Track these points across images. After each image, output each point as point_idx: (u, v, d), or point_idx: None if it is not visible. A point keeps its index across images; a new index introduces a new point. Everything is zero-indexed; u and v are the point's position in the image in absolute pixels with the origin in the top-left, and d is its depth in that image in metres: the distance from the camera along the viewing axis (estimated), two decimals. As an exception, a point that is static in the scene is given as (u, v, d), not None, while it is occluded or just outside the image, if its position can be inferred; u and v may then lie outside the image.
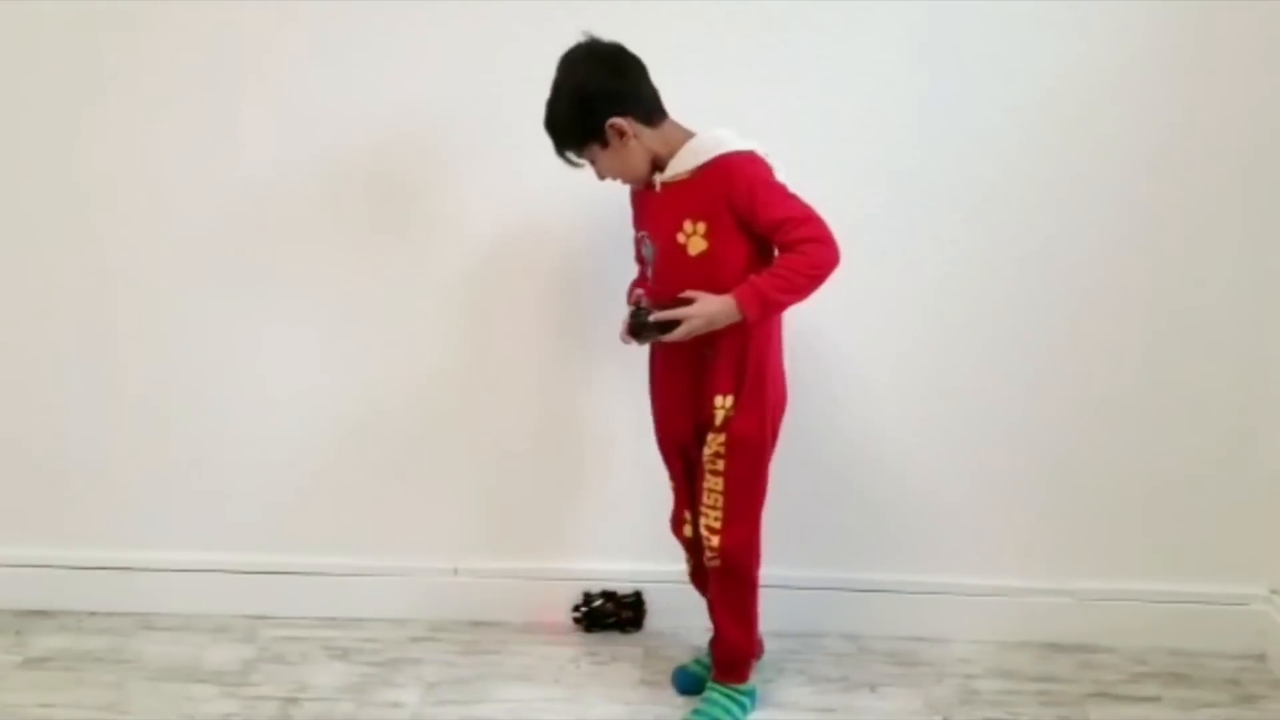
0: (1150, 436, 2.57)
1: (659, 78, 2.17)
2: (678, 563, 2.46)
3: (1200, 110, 2.39)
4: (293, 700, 2.50)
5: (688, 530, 2.40)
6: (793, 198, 2.12)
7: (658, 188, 2.19)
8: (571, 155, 2.17)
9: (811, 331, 2.54)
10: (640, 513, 2.58)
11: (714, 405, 2.23)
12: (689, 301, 2.12)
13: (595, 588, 2.73)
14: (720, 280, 2.12)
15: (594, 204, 2.43)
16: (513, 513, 2.74)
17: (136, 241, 2.65)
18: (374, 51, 2.49)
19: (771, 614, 2.66)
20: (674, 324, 2.12)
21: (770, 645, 2.64)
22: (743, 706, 2.42)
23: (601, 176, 2.21)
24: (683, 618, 2.62)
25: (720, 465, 2.26)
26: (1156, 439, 2.57)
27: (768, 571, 2.66)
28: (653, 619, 2.71)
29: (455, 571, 2.79)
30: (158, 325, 2.69)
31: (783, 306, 2.16)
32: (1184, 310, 2.49)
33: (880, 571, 2.69)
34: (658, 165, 2.19)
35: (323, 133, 2.55)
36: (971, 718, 2.42)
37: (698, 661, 2.54)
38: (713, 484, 2.28)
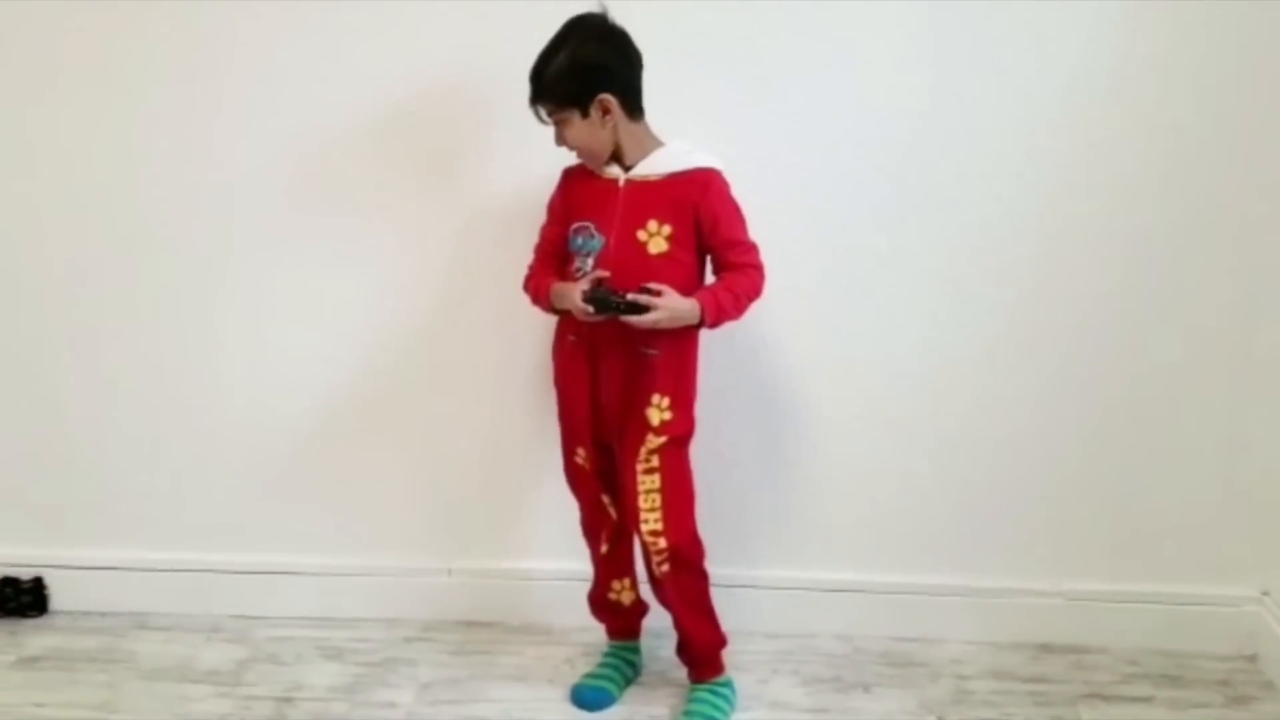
0: (1142, 438, 2.58)
1: (659, 75, 2.20)
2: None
3: (1206, 111, 2.39)
4: (287, 700, 2.50)
5: (609, 512, 2.44)
6: (745, 223, 2.25)
7: (621, 182, 2.21)
8: (544, 111, 2.18)
9: (806, 332, 2.55)
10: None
11: (650, 404, 2.25)
12: (655, 293, 2.14)
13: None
14: (674, 282, 2.17)
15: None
16: (507, 513, 2.74)
17: (121, 234, 2.65)
18: (384, 18, 2.49)
19: (765, 615, 2.69)
20: (640, 308, 2.13)
21: (764, 646, 2.67)
22: (727, 699, 2.44)
23: (563, 144, 2.21)
24: (730, 620, 2.61)
25: (655, 463, 2.28)
26: (1148, 440, 2.58)
27: (760, 573, 2.69)
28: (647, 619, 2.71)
29: (449, 572, 2.79)
30: (147, 323, 2.69)
31: (726, 321, 2.22)
32: (1176, 312, 2.50)
33: (874, 572, 2.70)
34: (616, 158, 2.22)
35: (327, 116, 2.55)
36: (965, 718, 2.43)
37: (599, 676, 2.53)
38: (649, 485, 2.29)
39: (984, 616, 2.68)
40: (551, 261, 2.34)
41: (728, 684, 2.47)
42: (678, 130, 2.25)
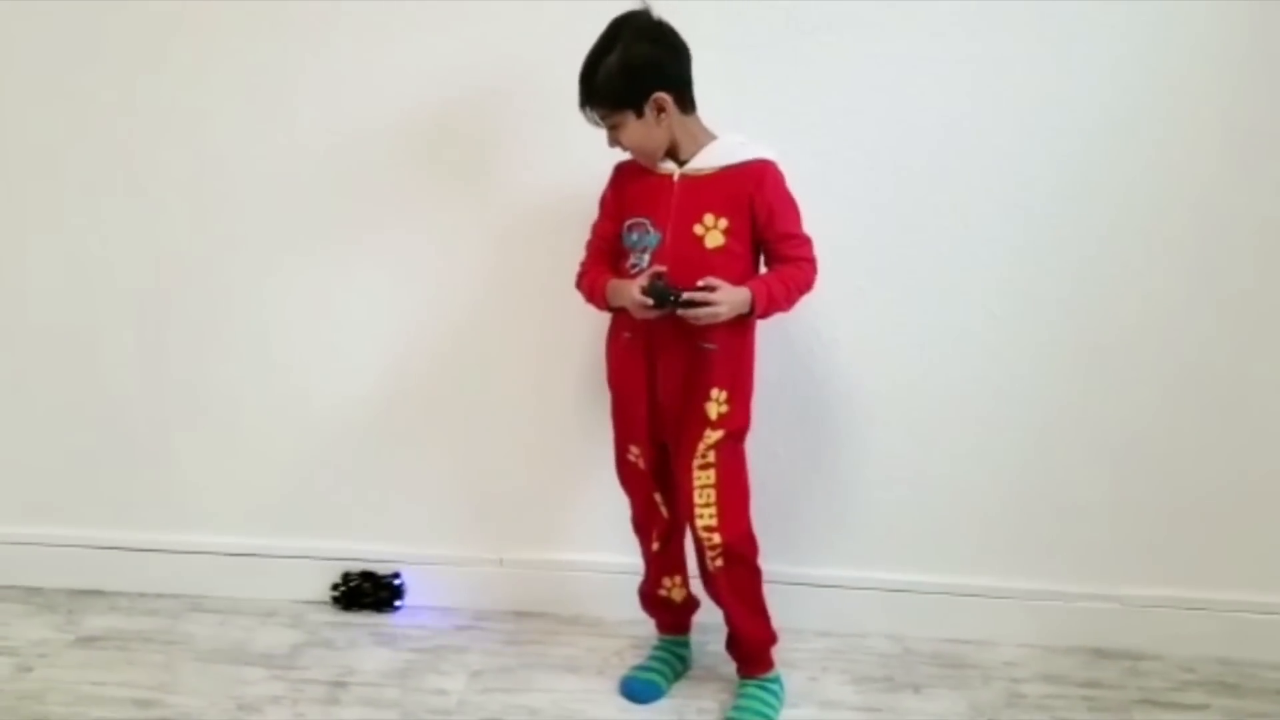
0: (1202, 443, 2.55)
1: (710, 72, 2.20)
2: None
3: (1247, 114, 2.36)
4: (340, 685, 2.52)
5: (661, 510, 2.44)
6: (800, 216, 2.23)
7: (675, 177, 2.20)
8: (596, 114, 2.17)
9: (860, 330, 2.54)
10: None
11: (708, 398, 2.25)
12: (711, 288, 2.13)
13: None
14: (730, 276, 2.16)
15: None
16: (559, 505, 2.75)
17: (189, 224, 2.69)
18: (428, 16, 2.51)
19: (816, 613, 2.69)
20: (697, 303, 2.13)
21: (815, 645, 2.67)
22: (776, 695, 2.44)
23: (616, 145, 2.20)
24: (781, 618, 2.61)
25: (712, 458, 2.28)
26: (1209, 445, 2.55)
27: (812, 571, 2.68)
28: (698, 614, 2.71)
29: (501, 562, 2.80)
30: (210, 309, 2.73)
31: (776, 311, 2.21)
32: (1239, 314, 2.47)
33: (927, 573, 2.68)
34: (671, 154, 2.21)
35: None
36: (1016, 721, 2.42)
37: (648, 669, 2.54)
38: (704, 480, 2.29)
39: (1038, 620, 2.66)
40: (605, 258, 2.32)
41: (777, 680, 2.46)
42: (731, 124, 2.24)
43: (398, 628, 2.74)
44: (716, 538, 2.30)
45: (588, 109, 2.16)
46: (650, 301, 2.13)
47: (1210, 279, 2.46)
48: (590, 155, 2.28)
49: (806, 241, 2.25)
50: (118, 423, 2.82)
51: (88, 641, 2.70)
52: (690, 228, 2.19)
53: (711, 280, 2.13)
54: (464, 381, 2.71)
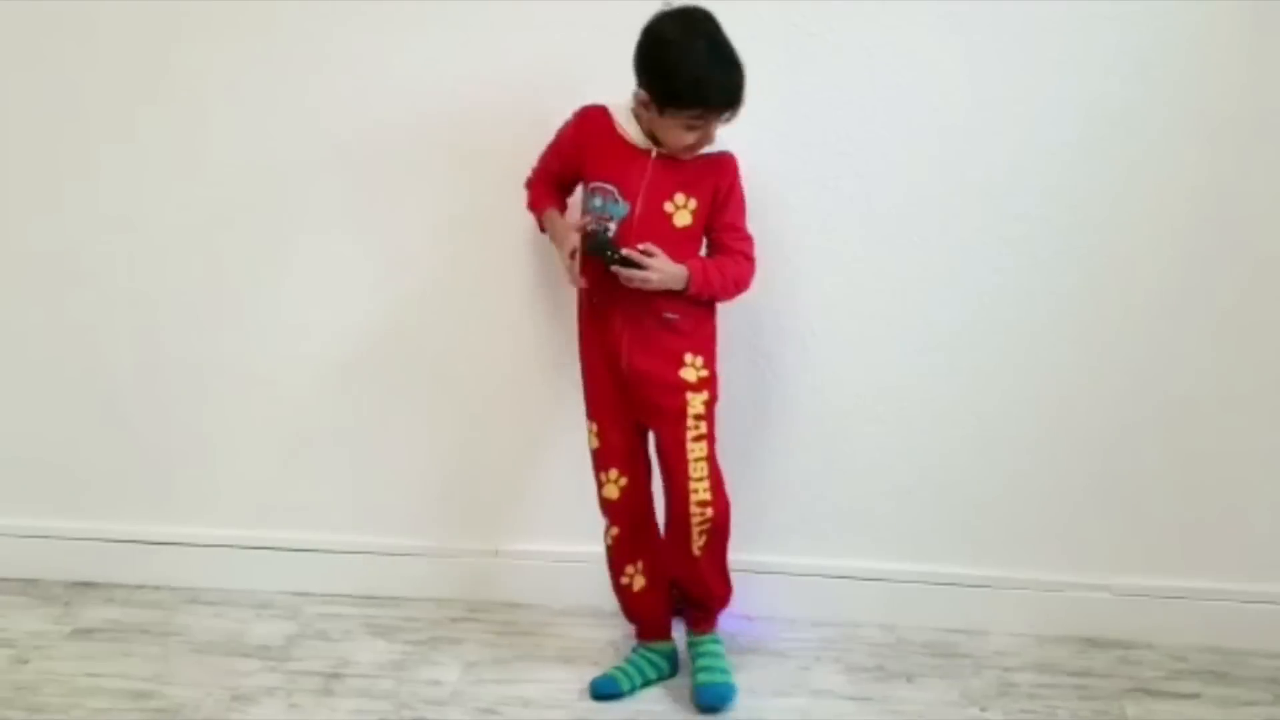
0: (1191, 432, 2.55)
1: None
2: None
3: (1251, 116, 2.37)
4: (335, 676, 2.53)
5: (613, 491, 2.44)
6: (746, 214, 2.31)
7: (653, 154, 2.22)
8: (730, 114, 2.18)
9: (850, 320, 2.55)
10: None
11: (684, 364, 2.31)
12: (649, 254, 2.19)
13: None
14: (688, 255, 2.26)
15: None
16: (555, 496, 2.75)
17: (185, 221, 2.69)
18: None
19: (809, 603, 2.70)
20: (632, 264, 2.19)
21: (807, 634, 2.67)
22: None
23: (699, 144, 2.22)
24: (773, 607, 2.68)
25: (704, 429, 2.33)
26: (1198, 434, 2.55)
27: (804, 560, 2.69)
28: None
29: (496, 553, 2.81)
30: (206, 302, 2.73)
31: (709, 297, 2.29)
32: (1225, 307, 2.47)
33: (919, 563, 2.69)
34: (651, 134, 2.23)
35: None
36: (1009, 710, 2.42)
37: (615, 668, 2.53)
38: (698, 453, 2.34)
39: (1030, 609, 2.66)
40: (552, 189, 2.36)
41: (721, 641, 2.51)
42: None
43: (392, 619, 2.75)
44: (709, 511, 2.34)
45: (729, 112, 2.16)
46: (577, 261, 2.23)
47: (1204, 275, 2.46)
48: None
49: (749, 239, 2.31)
50: (114, 415, 2.82)
51: (84, 633, 2.71)
52: (661, 204, 2.24)
53: (650, 247, 2.19)
54: (461, 372, 2.71)
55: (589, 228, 2.24)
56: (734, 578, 2.48)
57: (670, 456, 2.35)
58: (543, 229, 2.39)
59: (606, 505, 2.47)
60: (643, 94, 2.15)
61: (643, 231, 2.22)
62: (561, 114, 2.32)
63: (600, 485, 2.46)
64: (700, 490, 2.33)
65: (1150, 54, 2.35)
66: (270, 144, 2.62)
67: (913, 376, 2.59)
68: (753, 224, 2.33)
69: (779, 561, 2.68)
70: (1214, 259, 2.45)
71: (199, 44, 2.57)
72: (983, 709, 2.42)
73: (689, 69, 2.11)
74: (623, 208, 2.24)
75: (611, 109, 2.26)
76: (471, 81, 2.52)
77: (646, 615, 2.55)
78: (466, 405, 2.73)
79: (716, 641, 2.49)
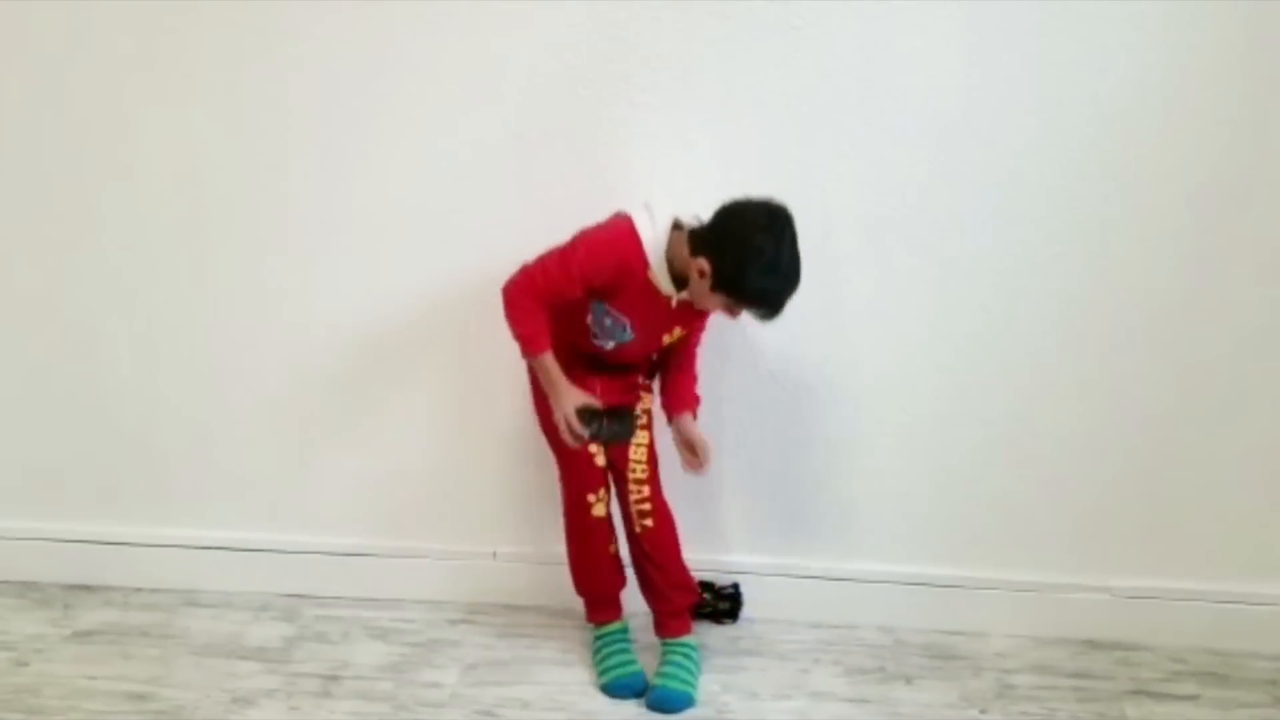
0: (1191, 435, 2.55)
1: (696, 74, 2.23)
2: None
3: (1253, 113, 2.36)
4: (333, 678, 2.53)
5: (600, 510, 2.51)
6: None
7: (674, 303, 2.29)
8: None
9: (850, 323, 2.55)
10: (684, 499, 2.59)
11: (639, 398, 2.50)
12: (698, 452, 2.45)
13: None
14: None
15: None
16: (551, 498, 2.74)
17: (179, 221, 2.68)
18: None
19: (808, 604, 2.70)
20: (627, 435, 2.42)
21: (806, 636, 2.68)
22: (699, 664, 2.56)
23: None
24: (773, 609, 2.68)
25: (645, 420, 2.50)
26: (1197, 437, 2.55)
27: (803, 562, 2.69)
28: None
29: (494, 555, 2.81)
30: (201, 303, 2.72)
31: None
32: (1223, 311, 2.47)
33: (918, 564, 2.69)
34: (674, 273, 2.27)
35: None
36: (1008, 712, 2.42)
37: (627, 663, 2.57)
38: (640, 438, 2.48)
39: (1028, 611, 2.67)
40: (549, 318, 2.31)
41: (699, 648, 2.56)
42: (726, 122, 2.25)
43: (391, 621, 2.75)
44: (646, 490, 2.46)
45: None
46: (585, 433, 2.35)
47: (1207, 276, 2.46)
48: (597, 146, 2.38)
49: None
50: (112, 417, 2.82)
51: (83, 636, 2.71)
52: (661, 335, 2.39)
53: (698, 440, 2.43)
54: (459, 372, 2.71)
55: (594, 410, 2.36)
56: (734, 578, 2.48)
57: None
58: (530, 362, 2.37)
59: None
60: (704, 264, 2.16)
61: (636, 350, 2.40)
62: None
63: (590, 506, 2.49)
64: (639, 470, 2.47)
65: (1150, 54, 2.35)
66: (264, 141, 2.61)
67: (913, 378, 2.59)
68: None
69: (778, 563, 2.69)
70: (1215, 262, 2.45)
71: (190, 38, 2.56)
72: (982, 711, 2.42)
73: (763, 280, 2.16)
74: (629, 335, 2.34)
75: (648, 252, 2.24)
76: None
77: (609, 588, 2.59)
78: (465, 407, 2.73)
79: (694, 649, 2.53)
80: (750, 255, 2.13)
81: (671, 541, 2.52)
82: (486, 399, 2.71)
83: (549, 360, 2.31)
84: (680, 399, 2.48)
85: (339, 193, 2.62)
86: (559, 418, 2.33)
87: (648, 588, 2.54)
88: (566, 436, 2.35)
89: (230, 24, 2.52)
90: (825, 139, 2.45)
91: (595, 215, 2.32)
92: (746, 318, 2.24)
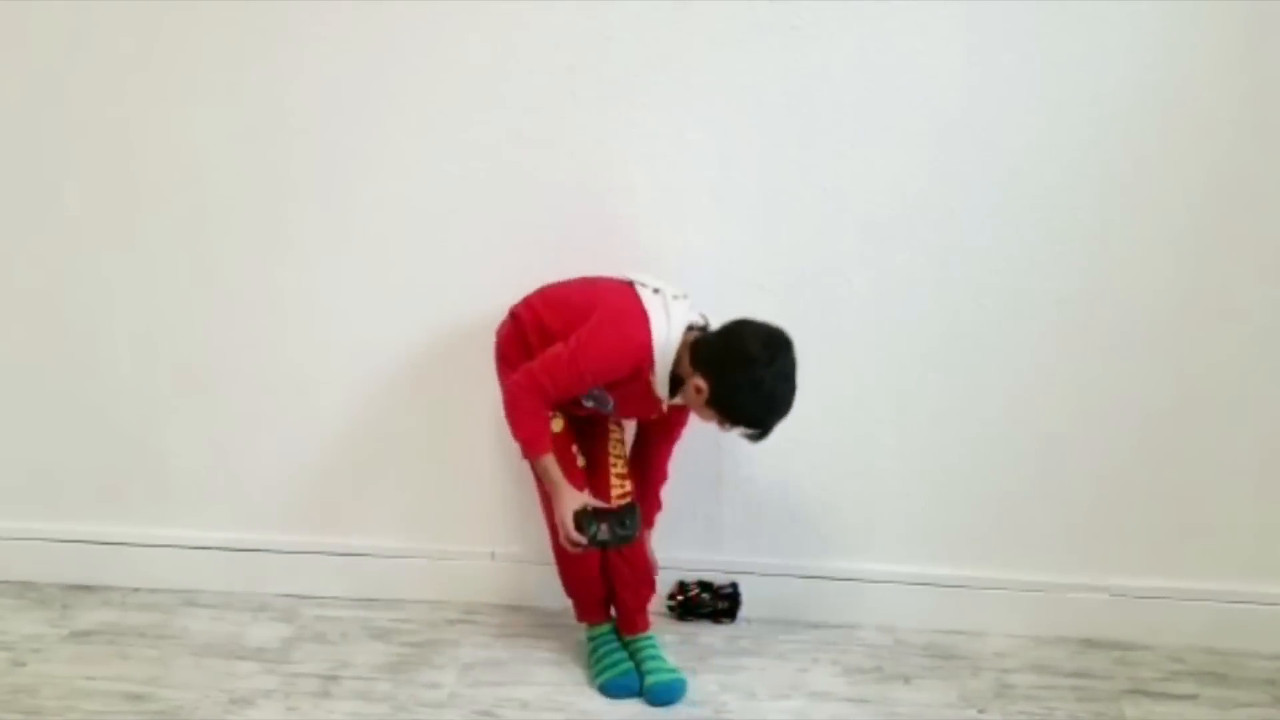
0: (1189, 435, 2.56)
1: (696, 74, 2.23)
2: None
3: (1253, 115, 2.37)
4: (332, 678, 2.53)
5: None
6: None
7: (665, 406, 2.36)
8: None
9: (850, 324, 2.55)
10: (683, 499, 2.59)
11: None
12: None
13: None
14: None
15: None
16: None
17: (183, 225, 2.68)
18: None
19: (807, 604, 2.70)
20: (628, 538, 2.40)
21: (805, 636, 2.68)
22: None
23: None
24: (771, 609, 2.69)
25: (620, 433, 2.56)
26: (1195, 437, 2.56)
27: (803, 562, 2.69)
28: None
29: (492, 556, 2.81)
30: (204, 306, 2.72)
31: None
32: (1223, 311, 2.48)
33: (917, 564, 2.69)
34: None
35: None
36: (1006, 712, 2.42)
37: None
38: (616, 434, 2.54)
39: (1027, 611, 2.67)
40: (555, 411, 2.39)
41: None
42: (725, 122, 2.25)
43: (389, 621, 2.75)
44: (628, 484, 2.48)
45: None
46: (583, 540, 2.34)
47: (1207, 277, 2.47)
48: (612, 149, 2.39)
49: None
50: (110, 418, 2.81)
51: (81, 636, 2.70)
52: (642, 416, 2.52)
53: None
54: (456, 375, 2.70)
55: (594, 511, 2.37)
56: (733, 578, 2.47)
57: (595, 440, 2.51)
58: (531, 462, 2.42)
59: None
60: (701, 382, 2.21)
61: (613, 417, 2.50)
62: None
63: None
64: (619, 465, 2.50)
65: (1150, 54, 2.35)
66: (264, 142, 2.61)
67: (912, 379, 2.59)
68: (752, 224, 2.33)
69: (778, 564, 2.68)
70: (1215, 262, 2.46)
71: (190, 38, 2.56)
72: (980, 710, 2.43)
73: (755, 410, 2.23)
74: (609, 408, 2.40)
75: (657, 360, 2.28)
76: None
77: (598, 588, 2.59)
78: (463, 408, 2.73)
79: (653, 638, 2.56)
80: (747, 385, 2.19)
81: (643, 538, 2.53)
82: (485, 400, 2.70)
83: (550, 461, 2.36)
84: (641, 495, 2.52)
85: (339, 193, 2.62)
86: (558, 522, 2.36)
87: (618, 581, 2.53)
88: (566, 544, 2.37)
89: (230, 24, 2.53)
90: (825, 139, 2.45)
91: (595, 215, 2.36)
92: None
